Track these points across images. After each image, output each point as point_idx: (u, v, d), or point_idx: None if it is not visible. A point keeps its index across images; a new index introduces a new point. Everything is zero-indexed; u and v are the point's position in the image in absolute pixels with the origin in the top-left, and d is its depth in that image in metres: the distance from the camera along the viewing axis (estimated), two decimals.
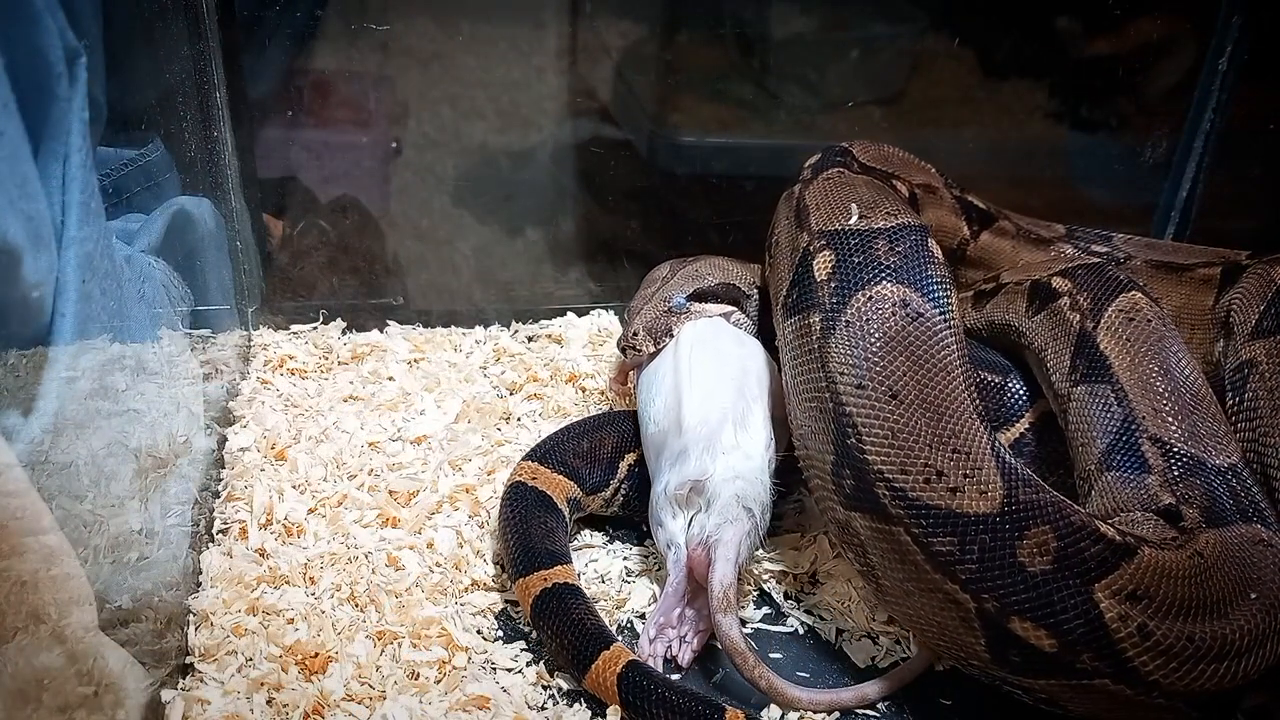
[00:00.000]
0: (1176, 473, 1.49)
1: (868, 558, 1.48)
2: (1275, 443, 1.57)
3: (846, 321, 1.51)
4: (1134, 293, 1.69)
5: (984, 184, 2.13)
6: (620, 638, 1.57)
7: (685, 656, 1.53)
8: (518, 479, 1.71)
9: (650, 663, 1.48)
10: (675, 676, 1.52)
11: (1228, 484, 1.48)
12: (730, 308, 1.96)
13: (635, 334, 1.88)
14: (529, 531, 1.63)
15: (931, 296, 1.53)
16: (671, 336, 1.87)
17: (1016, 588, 1.31)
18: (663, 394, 1.74)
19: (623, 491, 1.78)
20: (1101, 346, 1.63)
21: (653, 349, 1.87)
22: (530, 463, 1.74)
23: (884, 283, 1.53)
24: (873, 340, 1.48)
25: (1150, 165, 2.50)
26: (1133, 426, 1.54)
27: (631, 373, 1.91)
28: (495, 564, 1.69)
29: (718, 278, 1.98)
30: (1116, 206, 2.58)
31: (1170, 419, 1.54)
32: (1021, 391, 1.83)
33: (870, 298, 1.52)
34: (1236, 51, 2.34)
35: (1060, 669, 1.32)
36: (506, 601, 1.62)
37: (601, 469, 1.77)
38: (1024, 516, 1.34)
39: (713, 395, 1.69)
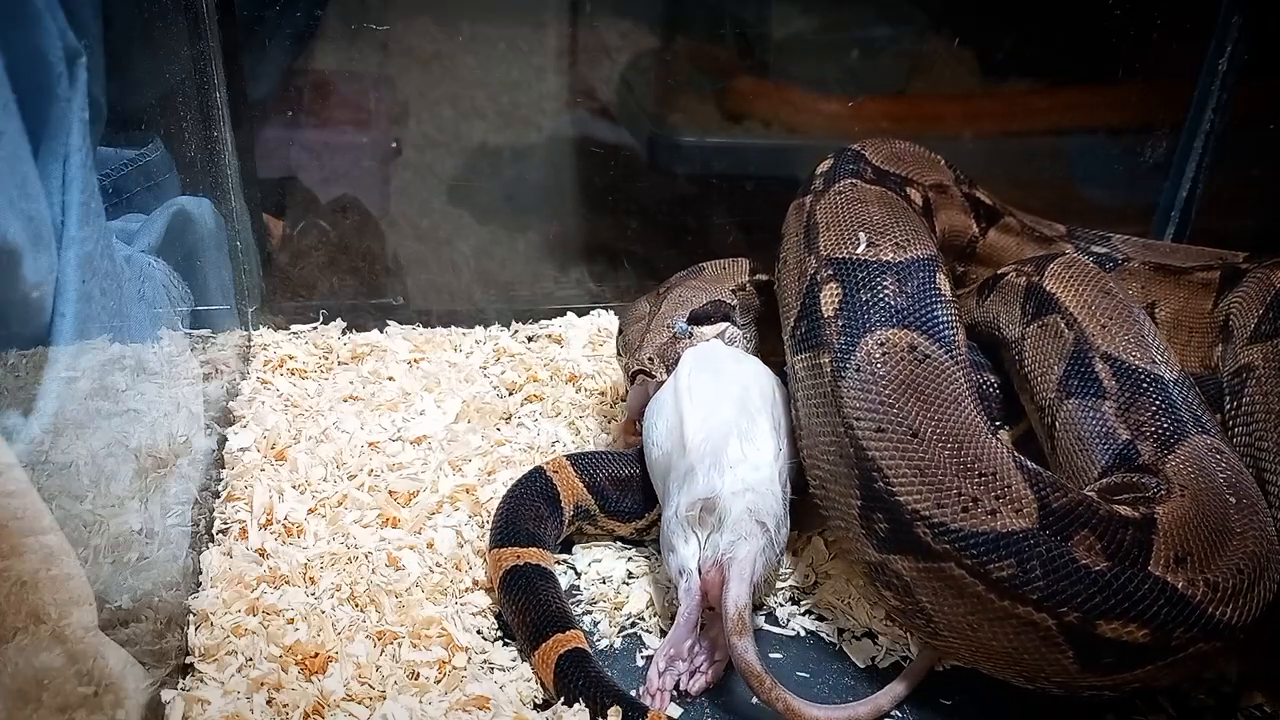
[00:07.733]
0: (1128, 395, 1.58)
1: (915, 598, 1.44)
2: (1270, 446, 1.57)
3: (857, 367, 1.51)
4: (1074, 254, 1.85)
5: (984, 184, 2.13)
6: (619, 639, 1.58)
7: (697, 685, 1.48)
8: (542, 466, 1.74)
9: (658, 696, 1.44)
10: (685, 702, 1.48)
11: (1179, 394, 1.57)
12: (723, 324, 1.94)
13: (650, 359, 1.83)
14: (520, 510, 1.66)
15: (938, 337, 1.54)
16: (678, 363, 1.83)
17: (1091, 592, 1.30)
18: (664, 417, 1.71)
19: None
20: (1047, 287, 1.75)
21: (664, 376, 1.81)
22: (563, 459, 1.76)
23: (892, 328, 1.53)
24: (884, 386, 1.48)
25: (1150, 165, 2.50)
26: (1085, 346, 1.64)
27: (638, 422, 1.84)
28: None
29: (703, 297, 1.95)
30: (1116, 206, 2.58)
31: (1117, 333, 1.64)
32: None
33: (879, 342, 1.52)
34: (1236, 51, 2.34)
35: (1156, 654, 1.32)
36: None
37: (635, 499, 1.75)
38: (1065, 521, 1.34)
39: (715, 411, 1.65)
